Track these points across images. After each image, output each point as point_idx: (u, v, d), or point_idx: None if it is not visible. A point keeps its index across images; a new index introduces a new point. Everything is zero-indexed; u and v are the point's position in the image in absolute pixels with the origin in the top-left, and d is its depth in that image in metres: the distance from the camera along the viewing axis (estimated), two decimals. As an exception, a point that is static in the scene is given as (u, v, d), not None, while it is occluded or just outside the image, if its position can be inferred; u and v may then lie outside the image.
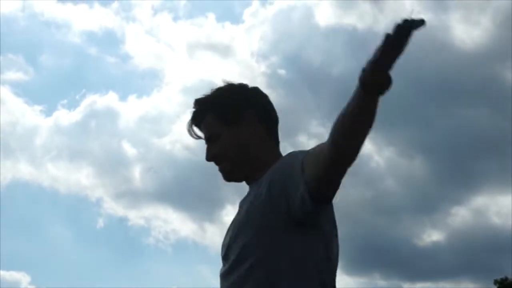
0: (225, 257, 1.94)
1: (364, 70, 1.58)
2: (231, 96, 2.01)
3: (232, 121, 1.98)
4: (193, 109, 2.04)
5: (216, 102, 2.00)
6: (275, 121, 2.04)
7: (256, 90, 2.05)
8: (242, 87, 2.04)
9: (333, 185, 1.73)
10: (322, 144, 1.73)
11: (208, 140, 2.03)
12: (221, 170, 2.02)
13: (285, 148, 2.01)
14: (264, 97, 2.04)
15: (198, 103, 2.03)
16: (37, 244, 61.06)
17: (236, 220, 1.95)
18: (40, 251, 60.21)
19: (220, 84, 2.05)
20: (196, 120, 2.04)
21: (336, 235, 1.91)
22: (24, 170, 58.79)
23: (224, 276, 1.91)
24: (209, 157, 2.01)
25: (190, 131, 2.06)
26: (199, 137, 2.06)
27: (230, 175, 2.02)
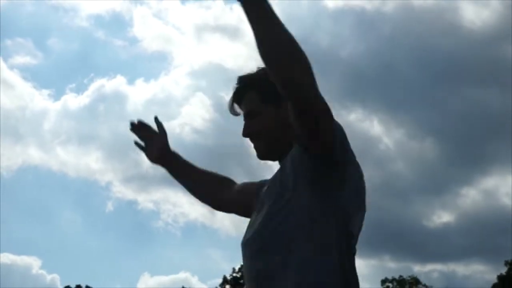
0: (251, 225, 1.98)
1: None
2: (260, 76, 2.00)
3: (275, 100, 1.96)
4: (236, 86, 2.05)
5: (261, 80, 1.98)
6: None
7: None
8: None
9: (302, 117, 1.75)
10: None
11: (246, 116, 2.03)
12: (256, 147, 2.03)
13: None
14: None
15: (242, 80, 2.04)
16: (47, 229, 61.43)
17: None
18: (51, 236, 60.60)
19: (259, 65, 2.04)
20: (238, 96, 2.05)
21: (360, 208, 1.90)
22: (33, 154, 59.24)
23: (248, 244, 1.93)
24: (245, 133, 2.02)
25: (231, 108, 2.08)
26: (237, 114, 2.08)
27: (264, 154, 2.03)
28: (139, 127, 2.37)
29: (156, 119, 2.34)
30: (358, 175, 1.90)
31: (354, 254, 1.87)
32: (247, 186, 2.22)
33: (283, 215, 1.84)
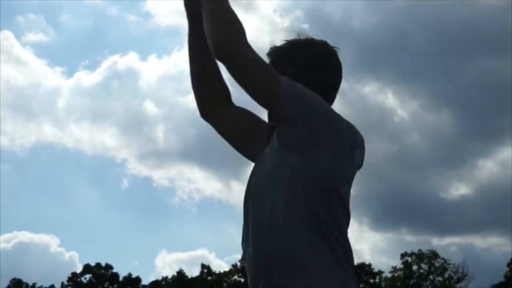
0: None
1: None
2: (280, 49, 2.00)
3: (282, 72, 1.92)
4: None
5: (271, 52, 2.00)
6: (319, 84, 1.94)
7: (309, 51, 1.99)
8: (298, 44, 2.00)
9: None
10: None
11: None
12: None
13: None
14: (315, 59, 1.98)
15: (270, 49, 2.03)
16: (63, 207, 61.95)
17: None
18: (67, 214, 61.16)
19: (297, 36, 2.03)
20: None
21: (349, 173, 1.87)
22: (48, 132, 59.59)
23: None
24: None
25: None
26: None
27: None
28: None
29: None
30: (340, 144, 1.83)
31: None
32: (258, 126, 2.07)
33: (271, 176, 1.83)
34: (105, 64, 62.05)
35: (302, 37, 2.01)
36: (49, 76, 59.62)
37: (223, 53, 1.79)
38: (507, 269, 39.34)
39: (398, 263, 41.34)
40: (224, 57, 1.79)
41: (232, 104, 2.10)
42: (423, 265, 40.77)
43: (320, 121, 1.81)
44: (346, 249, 1.81)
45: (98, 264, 47.81)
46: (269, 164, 1.85)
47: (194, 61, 2.08)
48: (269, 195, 1.82)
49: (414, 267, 40.90)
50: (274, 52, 2.00)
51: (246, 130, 2.06)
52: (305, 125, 1.79)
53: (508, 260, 39.50)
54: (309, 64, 1.97)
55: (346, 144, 1.83)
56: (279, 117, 1.81)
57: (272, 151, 1.86)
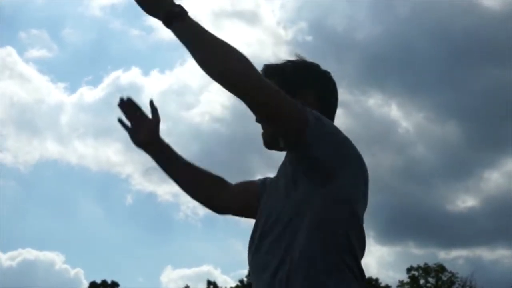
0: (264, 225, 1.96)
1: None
2: (296, 70, 2.01)
3: (289, 90, 1.94)
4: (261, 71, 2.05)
5: (282, 71, 2.01)
6: (332, 107, 2.03)
7: (322, 73, 2.04)
8: (310, 66, 2.04)
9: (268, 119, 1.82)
10: None
11: None
12: (262, 135, 2.01)
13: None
14: (328, 82, 2.04)
15: (267, 67, 2.02)
16: (68, 224, 61.62)
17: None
18: (72, 230, 60.80)
19: (293, 57, 2.06)
20: None
21: (365, 194, 1.90)
22: (51, 148, 59.37)
23: (260, 238, 1.92)
24: (257, 119, 2.00)
25: None
26: None
27: (268, 144, 2.01)
28: (128, 106, 2.22)
29: (151, 103, 2.20)
30: (356, 170, 1.88)
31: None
32: (250, 187, 2.16)
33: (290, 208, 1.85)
34: (108, 80, 61.91)
35: (303, 59, 2.04)
36: (52, 92, 59.52)
37: (236, 81, 1.72)
38: (515, 281, 38.82)
39: (405, 277, 40.98)
40: (239, 85, 1.72)
41: (229, 185, 2.19)
42: (430, 279, 40.38)
43: (343, 153, 1.84)
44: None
45: (104, 282, 47.37)
46: (293, 197, 1.85)
47: (175, 180, 2.23)
48: (298, 224, 1.82)
49: (422, 281, 40.48)
50: (281, 73, 1.99)
51: (249, 201, 2.10)
52: (333, 155, 1.81)
53: (517, 273, 39.02)
54: (323, 89, 2.00)
55: (362, 176, 1.88)
56: (307, 149, 1.78)
57: (293, 183, 1.86)
